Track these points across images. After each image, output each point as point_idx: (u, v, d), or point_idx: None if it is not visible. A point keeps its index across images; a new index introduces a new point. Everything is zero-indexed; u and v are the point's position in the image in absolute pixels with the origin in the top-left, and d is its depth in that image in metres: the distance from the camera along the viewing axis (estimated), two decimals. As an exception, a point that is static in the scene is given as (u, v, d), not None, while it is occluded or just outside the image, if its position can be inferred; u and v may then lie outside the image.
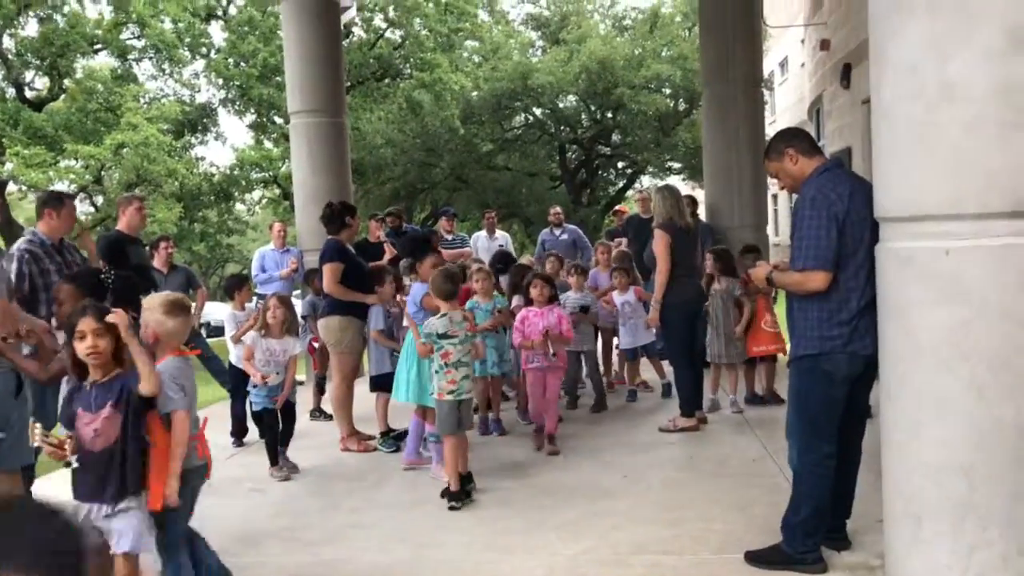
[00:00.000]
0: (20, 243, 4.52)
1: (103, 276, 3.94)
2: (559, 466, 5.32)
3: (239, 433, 6.41)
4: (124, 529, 2.88)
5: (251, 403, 5.55)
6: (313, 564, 3.93)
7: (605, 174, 30.31)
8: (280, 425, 5.43)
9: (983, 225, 2.78)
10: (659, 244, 5.78)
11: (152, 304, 3.20)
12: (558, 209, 10.35)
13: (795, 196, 3.51)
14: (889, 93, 2.99)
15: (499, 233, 10.61)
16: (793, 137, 3.50)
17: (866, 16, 3.14)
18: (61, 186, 18.09)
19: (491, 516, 4.47)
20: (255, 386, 5.28)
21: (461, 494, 4.64)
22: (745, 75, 8.71)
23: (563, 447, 5.68)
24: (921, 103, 2.86)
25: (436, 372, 4.80)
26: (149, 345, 3.13)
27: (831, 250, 3.24)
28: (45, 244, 4.51)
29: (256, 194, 27.05)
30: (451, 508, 4.56)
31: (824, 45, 9.42)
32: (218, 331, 8.87)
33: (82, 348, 2.85)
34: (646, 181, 28.62)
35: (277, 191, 25.75)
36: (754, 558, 3.60)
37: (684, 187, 18.55)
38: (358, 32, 23.67)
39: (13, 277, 4.31)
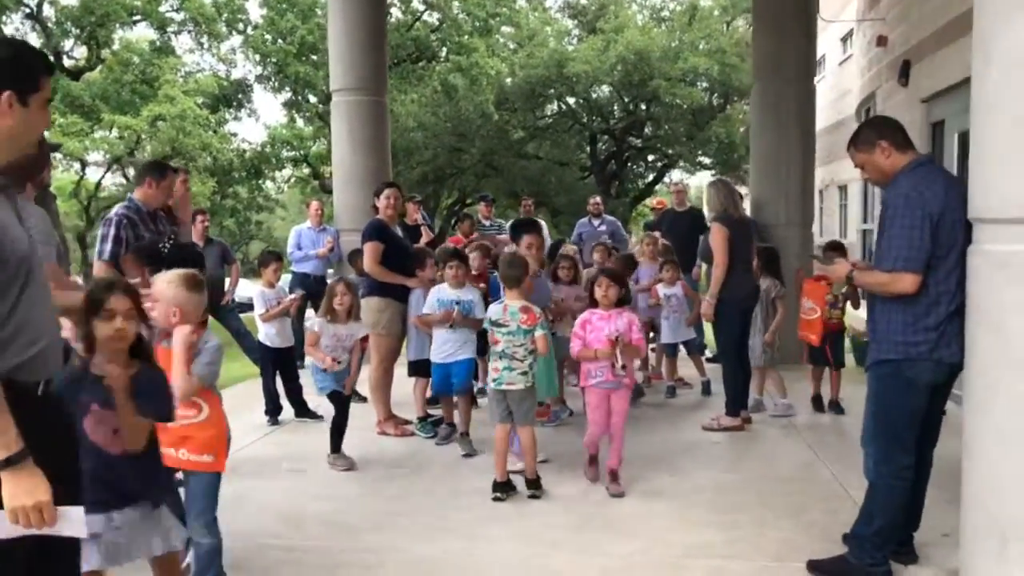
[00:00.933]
0: (119, 207, 4.49)
1: (161, 246, 3.85)
2: (601, 461, 5.17)
3: (273, 412, 6.34)
4: (170, 524, 2.69)
5: (318, 387, 5.27)
6: (359, 551, 3.82)
7: (635, 166, 29.99)
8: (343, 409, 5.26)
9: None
10: (716, 237, 5.60)
11: (171, 279, 2.95)
12: (598, 199, 10.19)
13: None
14: (994, 87, 2.83)
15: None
16: (886, 128, 3.30)
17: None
18: (96, 156, 18.15)
19: (533, 510, 4.35)
20: (323, 371, 5.13)
21: (506, 486, 4.52)
22: (798, 71, 8.47)
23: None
24: (1029, 97, 2.70)
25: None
26: (170, 326, 2.91)
27: (924, 251, 3.07)
28: (141, 211, 4.47)
29: (286, 172, 27.06)
30: (495, 499, 4.45)
31: (881, 41, 9.14)
32: (244, 307, 8.76)
33: (107, 328, 2.45)
34: (676, 175, 28.31)
35: (306, 170, 25.74)
36: (817, 568, 3.46)
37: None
38: (396, 13, 23.53)
39: (110, 241, 4.28)
